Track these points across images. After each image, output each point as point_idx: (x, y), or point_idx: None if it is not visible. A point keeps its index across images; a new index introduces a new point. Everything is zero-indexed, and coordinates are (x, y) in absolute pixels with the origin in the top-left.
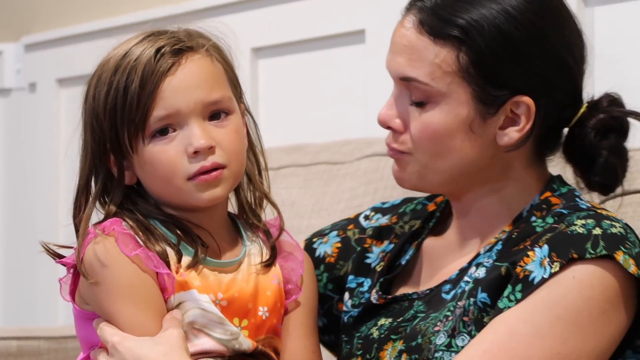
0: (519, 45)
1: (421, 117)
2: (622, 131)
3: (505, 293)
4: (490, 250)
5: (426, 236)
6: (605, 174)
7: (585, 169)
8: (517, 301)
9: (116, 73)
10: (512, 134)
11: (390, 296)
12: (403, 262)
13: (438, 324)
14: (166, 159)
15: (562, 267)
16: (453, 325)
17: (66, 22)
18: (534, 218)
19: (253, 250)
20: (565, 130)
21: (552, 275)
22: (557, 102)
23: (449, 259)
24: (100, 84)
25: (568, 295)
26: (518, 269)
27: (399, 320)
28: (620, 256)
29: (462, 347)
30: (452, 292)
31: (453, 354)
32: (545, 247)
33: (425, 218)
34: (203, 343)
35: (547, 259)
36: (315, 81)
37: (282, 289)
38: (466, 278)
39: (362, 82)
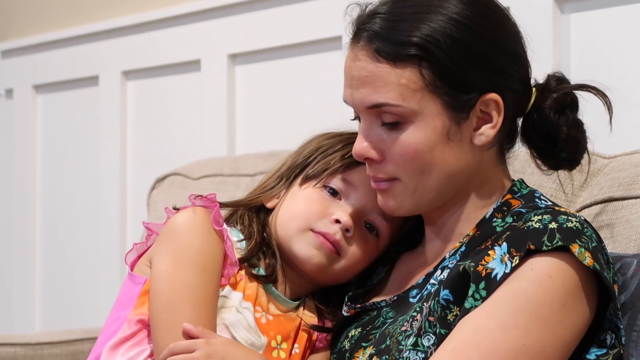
0: (475, 48)
1: (398, 140)
2: (575, 105)
3: (470, 292)
4: (455, 254)
5: (398, 256)
6: (570, 148)
7: (549, 150)
8: (483, 299)
9: (334, 137)
10: (488, 131)
11: (359, 305)
12: (375, 282)
13: (405, 324)
14: (313, 204)
15: (522, 260)
16: (420, 325)
17: (43, 29)
18: (494, 219)
19: (308, 307)
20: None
21: (513, 269)
22: (516, 92)
23: (418, 268)
24: (317, 142)
25: (528, 287)
26: (480, 268)
27: (368, 328)
28: (575, 248)
29: (427, 347)
30: (419, 296)
31: (419, 352)
32: (505, 244)
33: (398, 240)
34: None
35: (507, 255)
36: (292, 87)
37: (314, 340)
38: (432, 281)
39: (338, 89)
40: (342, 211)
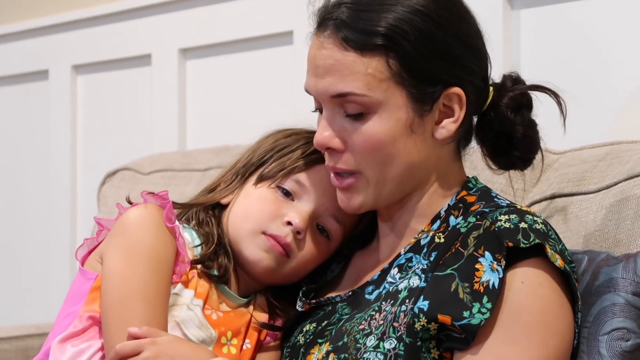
0: (440, 41)
1: (361, 130)
2: (530, 105)
3: (475, 310)
4: (413, 251)
5: (352, 253)
6: (525, 147)
7: (503, 148)
8: (489, 310)
9: (291, 136)
10: (449, 125)
11: (314, 301)
12: (328, 279)
13: (362, 322)
14: (266, 205)
15: (509, 264)
16: (383, 330)
17: None
18: (452, 218)
19: (259, 304)
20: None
21: (504, 271)
22: (477, 88)
23: (372, 264)
24: (273, 139)
25: (526, 300)
26: (476, 286)
27: (323, 324)
28: (548, 250)
29: (388, 349)
30: (376, 292)
31: (379, 354)
32: (487, 253)
33: (352, 238)
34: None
35: (495, 262)
36: (243, 82)
37: (263, 337)
38: (389, 279)
39: (290, 83)
40: (295, 213)
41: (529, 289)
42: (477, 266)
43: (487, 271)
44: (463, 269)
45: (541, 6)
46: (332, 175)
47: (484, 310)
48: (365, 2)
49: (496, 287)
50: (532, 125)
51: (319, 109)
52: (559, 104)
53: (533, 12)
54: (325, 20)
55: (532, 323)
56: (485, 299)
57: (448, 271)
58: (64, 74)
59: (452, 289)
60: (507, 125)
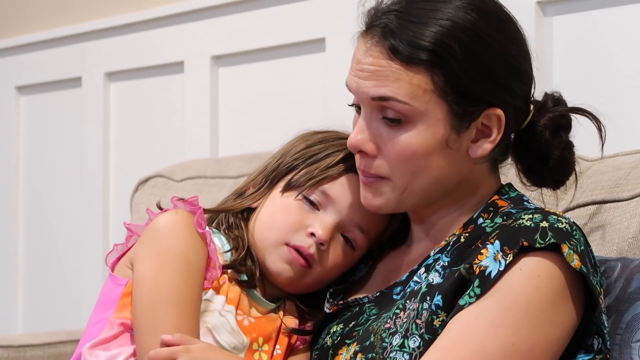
0: (487, 62)
1: (397, 139)
2: (569, 127)
3: (467, 291)
4: (440, 252)
5: (382, 253)
6: (560, 169)
7: (538, 168)
8: (477, 296)
9: (321, 143)
10: (485, 145)
11: (342, 302)
12: (356, 279)
13: (388, 321)
14: (291, 216)
15: (515, 257)
16: (407, 327)
17: (25, 30)
18: (481, 220)
19: (288, 309)
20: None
21: (507, 267)
22: (517, 109)
23: (402, 265)
24: (304, 144)
25: (517, 286)
26: (474, 267)
27: (350, 325)
28: (565, 249)
29: (413, 348)
30: (402, 293)
31: (405, 354)
32: (497, 242)
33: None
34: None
35: (500, 253)
36: (275, 89)
37: (293, 343)
38: (415, 278)
39: (322, 91)
40: (319, 224)
41: (525, 277)
42: (482, 250)
43: (489, 258)
44: (471, 254)
45: (574, 13)
46: (360, 172)
47: (472, 294)
48: (416, 13)
49: (492, 277)
50: (569, 147)
51: (357, 105)
52: (599, 129)
53: (565, 19)
54: (374, 26)
55: (512, 307)
56: (476, 283)
57: (462, 265)
58: (97, 81)
59: (456, 275)
60: (544, 146)
